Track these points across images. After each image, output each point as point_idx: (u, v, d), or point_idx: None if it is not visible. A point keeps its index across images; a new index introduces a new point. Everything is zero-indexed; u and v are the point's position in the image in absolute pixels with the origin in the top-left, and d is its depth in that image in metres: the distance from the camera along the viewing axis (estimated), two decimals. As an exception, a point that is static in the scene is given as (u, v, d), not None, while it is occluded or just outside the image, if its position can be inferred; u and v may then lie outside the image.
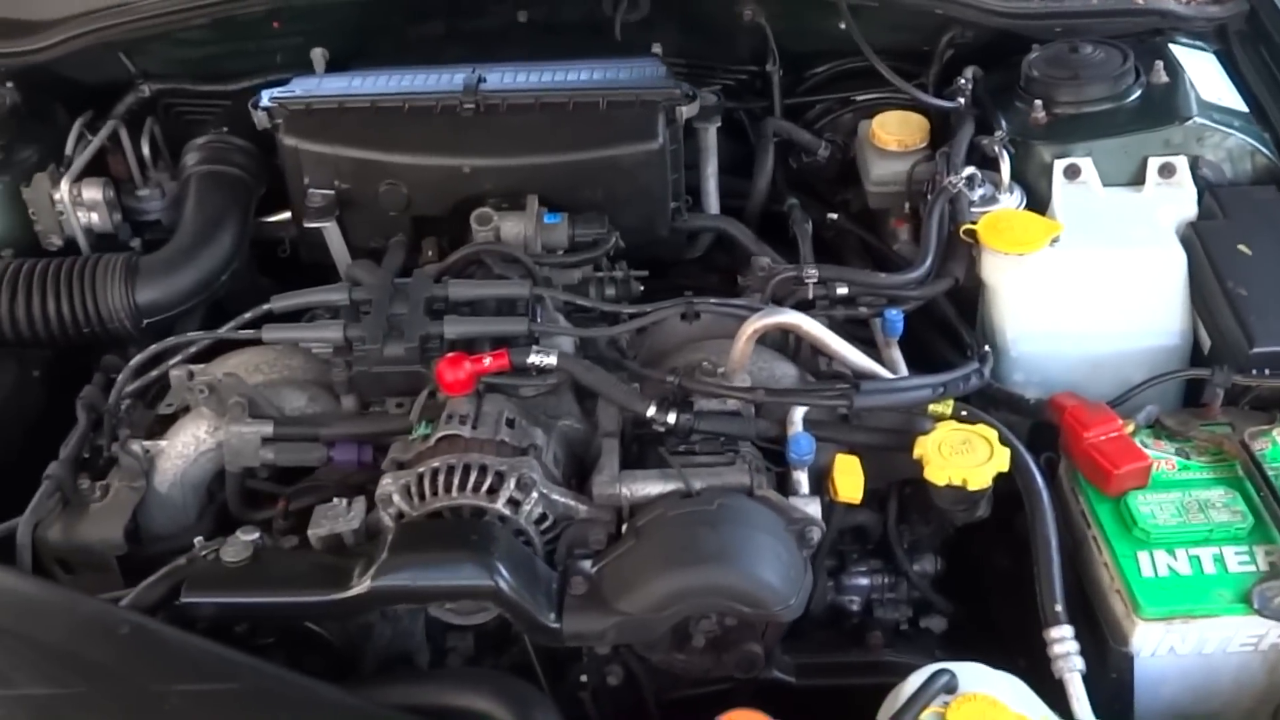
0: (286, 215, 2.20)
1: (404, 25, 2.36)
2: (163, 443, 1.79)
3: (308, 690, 1.38)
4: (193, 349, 1.83)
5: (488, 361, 1.70)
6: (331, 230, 2.07)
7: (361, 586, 1.49)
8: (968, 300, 2.00)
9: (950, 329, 1.99)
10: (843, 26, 2.30)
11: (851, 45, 2.34)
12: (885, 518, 1.80)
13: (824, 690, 1.71)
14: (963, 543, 1.87)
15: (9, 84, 2.23)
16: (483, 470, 1.59)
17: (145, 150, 2.24)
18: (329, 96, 2.08)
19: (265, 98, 2.09)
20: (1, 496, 1.78)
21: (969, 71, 2.23)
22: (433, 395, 1.74)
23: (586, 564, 1.57)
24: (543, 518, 1.60)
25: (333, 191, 2.04)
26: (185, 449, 1.78)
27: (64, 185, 2.08)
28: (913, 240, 2.17)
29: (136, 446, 1.77)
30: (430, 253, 2.04)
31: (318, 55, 2.29)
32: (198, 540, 1.61)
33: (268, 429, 1.73)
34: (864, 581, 1.80)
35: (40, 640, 1.41)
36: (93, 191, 2.10)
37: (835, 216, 2.17)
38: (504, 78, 2.11)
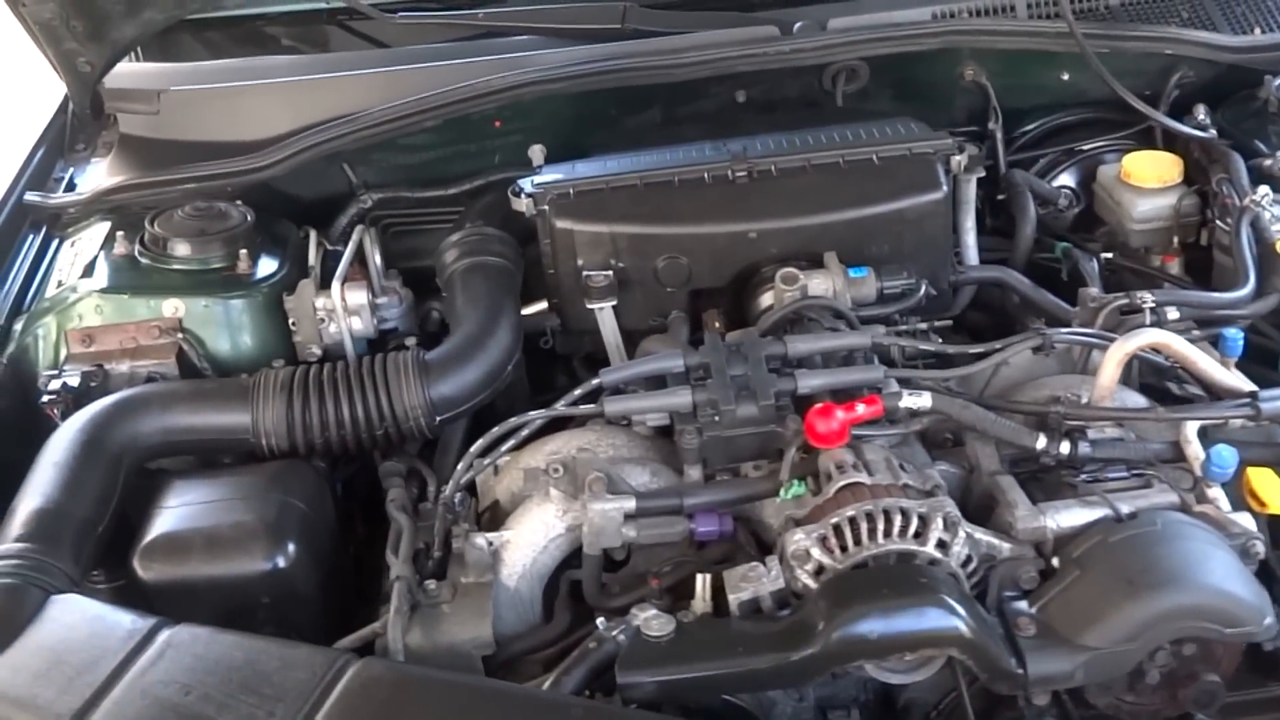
0: (543, 305, 2.12)
1: (621, 115, 2.34)
2: (507, 534, 1.67)
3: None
4: (525, 431, 1.73)
5: (861, 409, 1.61)
6: (606, 313, 2.00)
7: (818, 644, 1.37)
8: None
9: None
10: (1065, 78, 2.33)
11: (1068, 97, 2.37)
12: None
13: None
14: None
15: (238, 202, 2.17)
16: (905, 513, 1.49)
17: (377, 258, 2.17)
18: (592, 178, 2.03)
19: (528, 185, 2.04)
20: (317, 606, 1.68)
21: (1201, 108, 2.24)
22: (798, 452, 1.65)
23: (1023, 604, 1.47)
24: (968, 559, 1.50)
25: (611, 272, 1.98)
26: (534, 537, 1.66)
27: (335, 289, 1.99)
28: (1184, 273, 2.15)
29: (480, 539, 1.65)
30: (717, 324, 1.97)
31: (536, 151, 2.24)
32: (600, 621, 1.49)
33: (630, 504, 1.62)
34: (1246, 613, 1.71)
35: (492, 735, 1.28)
36: (356, 296, 2.02)
37: (1110, 255, 2.14)
38: (759, 145, 2.08)
